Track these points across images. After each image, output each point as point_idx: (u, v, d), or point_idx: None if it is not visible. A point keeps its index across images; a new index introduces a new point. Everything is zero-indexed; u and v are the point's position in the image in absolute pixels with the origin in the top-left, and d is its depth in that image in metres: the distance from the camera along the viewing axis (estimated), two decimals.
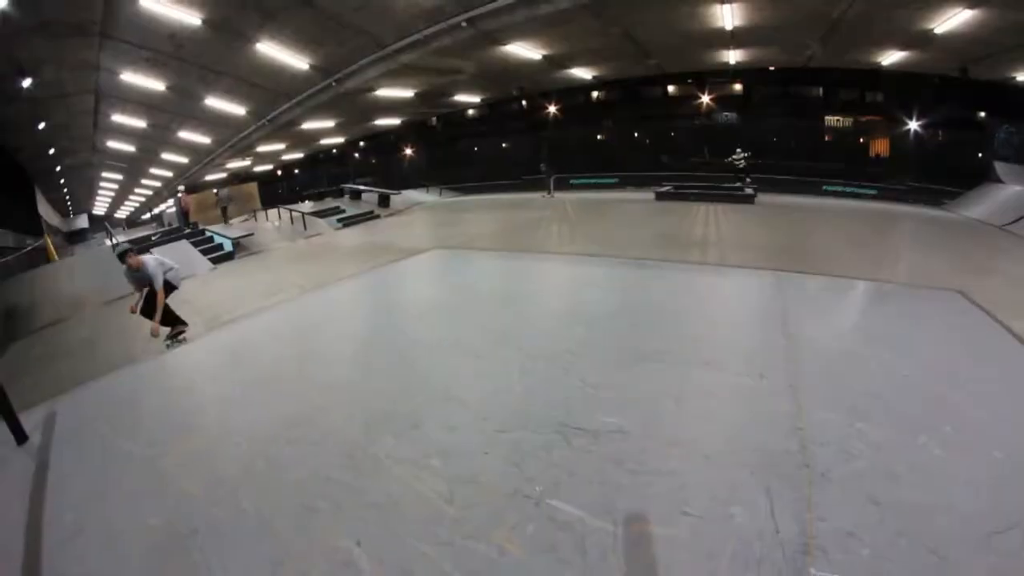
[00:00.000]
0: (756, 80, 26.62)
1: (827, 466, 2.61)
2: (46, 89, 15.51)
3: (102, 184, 37.48)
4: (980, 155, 21.82)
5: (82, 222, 41.66)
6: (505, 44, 17.43)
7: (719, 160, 26.22)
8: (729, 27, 17.43)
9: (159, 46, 14.40)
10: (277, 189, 41.96)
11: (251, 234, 19.18)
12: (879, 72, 22.71)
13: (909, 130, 24.43)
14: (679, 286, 6.77)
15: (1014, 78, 20.23)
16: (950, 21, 15.43)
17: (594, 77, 26.00)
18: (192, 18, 12.90)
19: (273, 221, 22.34)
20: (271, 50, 15.46)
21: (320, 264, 12.20)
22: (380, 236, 16.20)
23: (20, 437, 3.99)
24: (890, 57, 20.53)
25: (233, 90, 18.46)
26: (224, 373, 5.01)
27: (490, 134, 34.12)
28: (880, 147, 26.05)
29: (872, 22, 16.44)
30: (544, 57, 20.14)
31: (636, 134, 30.85)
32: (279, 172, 45.01)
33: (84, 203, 44.14)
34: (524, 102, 31.51)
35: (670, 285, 6.80)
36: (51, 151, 23.85)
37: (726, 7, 15.53)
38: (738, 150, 22.46)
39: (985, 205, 17.56)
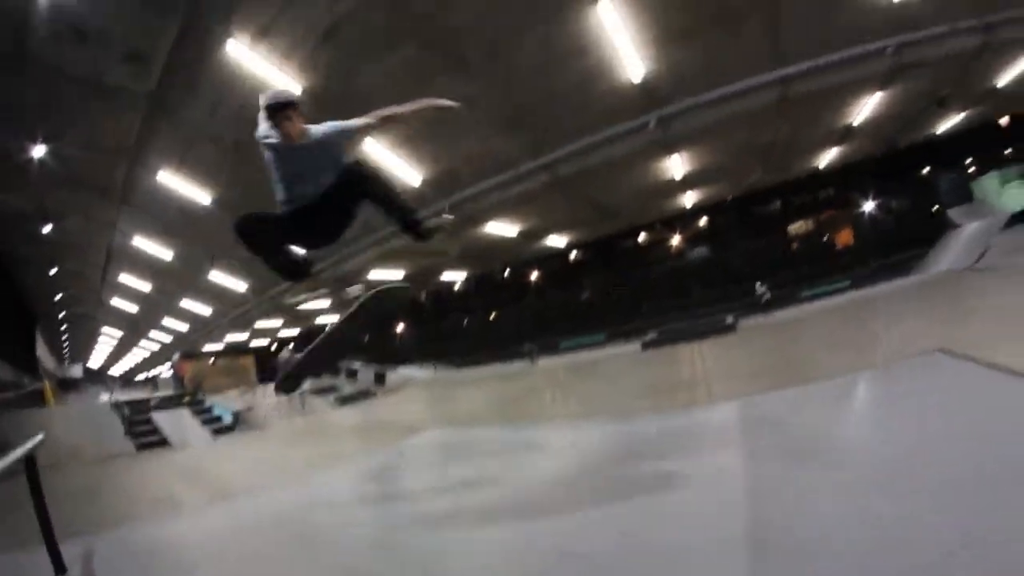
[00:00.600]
0: (717, 212, 28.42)
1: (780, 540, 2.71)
2: (64, 236, 16.31)
3: (101, 337, 37.61)
4: (934, 209, 23.89)
5: (76, 372, 41.19)
6: (483, 224, 18.78)
7: (704, 295, 27.22)
8: (679, 176, 19.05)
9: (172, 218, 15.54)
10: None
11: (251, 408, 19.26)
12: (820, 173, 24.46)
13: (864, 213, 26.87)
14: (660, 433, 6.62)
15: (935, 133, 22.53)
16: (864, 109, 17.44)
17: (568, 244, 27.44)
18: (203, 197, 14.20)
19: (270, 396, 22.39)
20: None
21: (319, 445, 12.23)
22: (376, 415, 16.41)
23: (59, 567, 4.02)
24: (827, 157, 22.46)
25: (235, 268, 19.40)
26: (237, 545, 4.99)
27: (477, 308, 35.29)
28: (844, 238, 28.01)
29: (801, 135, 18.35)
30: (520, 233, 21.50)
31: (616, 286, 31.87)
32: (275, 346, 45.46)
33: (81, 354, 44.00)
34: (507, 274, 32.94)
35: (651, 434, 6.58)
36: (57, 297, 24.36)
37: (674, 158, 17.10)
38: (758, 284, 23.46)
39: (949, 254, 19.18)
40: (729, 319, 20.66)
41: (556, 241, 26.04)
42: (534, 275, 32.64)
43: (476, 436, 8.98)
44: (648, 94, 13.44)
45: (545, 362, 24.29)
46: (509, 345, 29.12)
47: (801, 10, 11.85)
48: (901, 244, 23.60)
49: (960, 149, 24.73)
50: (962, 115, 20.97)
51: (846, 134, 19.93)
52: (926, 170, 26.29)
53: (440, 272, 27.51)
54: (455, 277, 30.44)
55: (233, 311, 25.99)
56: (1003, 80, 17.98)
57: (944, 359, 5.88)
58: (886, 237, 25.16)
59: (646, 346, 20.49)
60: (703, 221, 30.05)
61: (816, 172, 24.78)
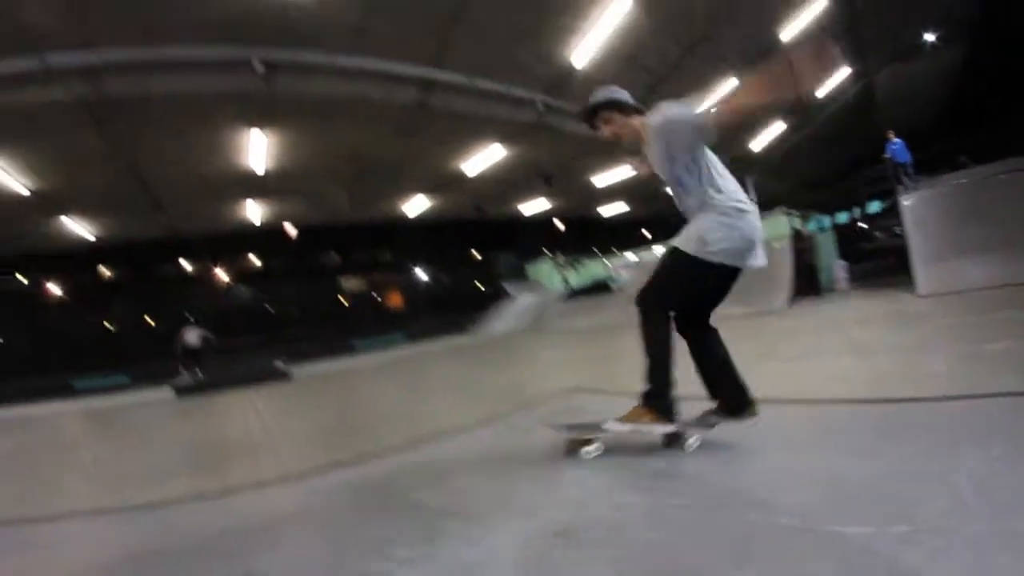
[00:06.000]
0: (278, 249, 25.82)
1: None
2: None
3: None
4: (495, 281, 27.58)
5: None
6: None
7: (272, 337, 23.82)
8: (261, 169, 15.87)
9: None
10: None
11: None
12: (397, 225, 24.94)
13: (425, 277, 28.99)
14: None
15: (519, 212, 25.87)
16: (479, 160, 17.58)
17: (98, 238, 21.58)
18: None
19: None
20: None
21: None
22: None
23: None
24: (417, 206, 22.70)
25: None
26: None
27: None
28: (394, 300, 29.19)
29: (408, 162, 17.26)
30: (34, 193, 15.47)
31: (150, 318, 25.87)
32: None
33: None
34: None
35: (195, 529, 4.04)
36: None
37: (256, 133, 13.86)
38: None
39: (509, 318, 22.32)
40: (280, 364, 17.13)
41: (81, 227, 19.94)
42: (53, 283, 24.53)
43: None
44: (252, 24, 10.55)
45: (50, 407, 16.41)
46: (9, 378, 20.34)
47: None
48: (455, 307, 25.43)
49: (520, 233, 29.10)
50: (544, 201, 24.43)
51: (449, 182, 19.97)
52: (496, 246, 29.72)
53: None
54: None
55: None
56: (598, 182, 22.18)
57: (582, 394, 6.09)
58: (439, 300, 26.78)
59: (182, 393, 15.10)
60: (258, 262, 27.25)
61: (391, 223, 24.87)
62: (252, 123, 13.32)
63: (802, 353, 7.50)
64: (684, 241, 3.02)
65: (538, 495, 2.91)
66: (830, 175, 19.36)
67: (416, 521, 2.84)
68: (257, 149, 14.63)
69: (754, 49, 14.15)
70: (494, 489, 3.16)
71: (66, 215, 18.50)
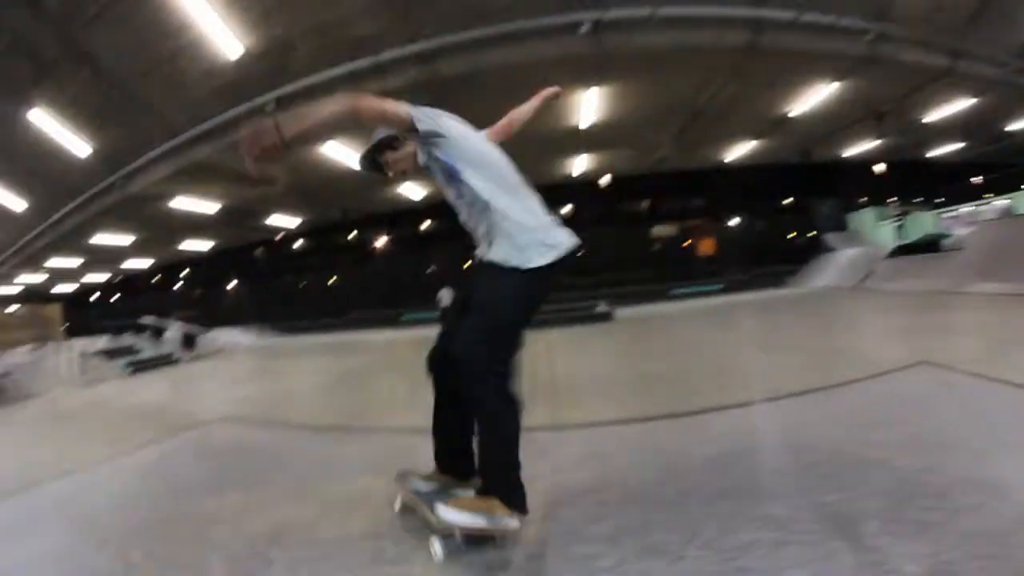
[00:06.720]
0: (588, 199, 26.85)
1: None
2: None
3: None
4: (811, 233, 24.79)
5: None
6: (322, 143, 14.73)
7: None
8: (585, 125, 16.23)
9: None
10: (93, 315, 34.58)
11: (7, 373, 14.31)
12: (715, 172, 23.82)
13: (743, 222, 27.40)
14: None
15: (844, 156, 23.40)
16: (810, 100, 16.21)
17: (423, 199, 23.90)
18: None
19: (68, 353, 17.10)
20: (46, 120, 12.22)
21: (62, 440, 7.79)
22: (168, 393, 11.33)
23: None
24: (739, 150, 21.47)
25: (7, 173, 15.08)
26: None
27: (317, 267, 30.75)
28: (706, 246, 27.62)
29: (736, 108, 16.37)
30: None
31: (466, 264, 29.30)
32: (96, 295, 37.74)
33: None
34: (354, 233, 29.37)
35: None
36: None
37: (593, 91, 13.97)
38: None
39: (830, 273, 19.75)
40: (603, 307, 17.20)
41: (411, 191, 22.65)
42: (384, 236, 28.95)
43: (278, 439, 5.44)
44: None
45: (386, 334, 19.84)
46: (349, 312, 25.64)
47: None
48: (771, 258, 23.82)
49: (844, 180, 25.32)
50: (877, 142, 21.06)
51: (775, 125, 18.55)
52: (816, 193, 25.70)
53: (266, 213, 22.99)
54: (286, 222, 25.83)
55: (17, 240, 20.21)
56: (932, 116, 18.47)
57: (931, 370, 5.18)
58: (757, 249, 24.94)
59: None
60: (566, 208, 28.54)
61: (704, 170, 23.85)
62: (582, 82, 13.37)
63: None
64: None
65: None
66: None
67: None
68: (586, 106, 14.99)
69: None
70: None
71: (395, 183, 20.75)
